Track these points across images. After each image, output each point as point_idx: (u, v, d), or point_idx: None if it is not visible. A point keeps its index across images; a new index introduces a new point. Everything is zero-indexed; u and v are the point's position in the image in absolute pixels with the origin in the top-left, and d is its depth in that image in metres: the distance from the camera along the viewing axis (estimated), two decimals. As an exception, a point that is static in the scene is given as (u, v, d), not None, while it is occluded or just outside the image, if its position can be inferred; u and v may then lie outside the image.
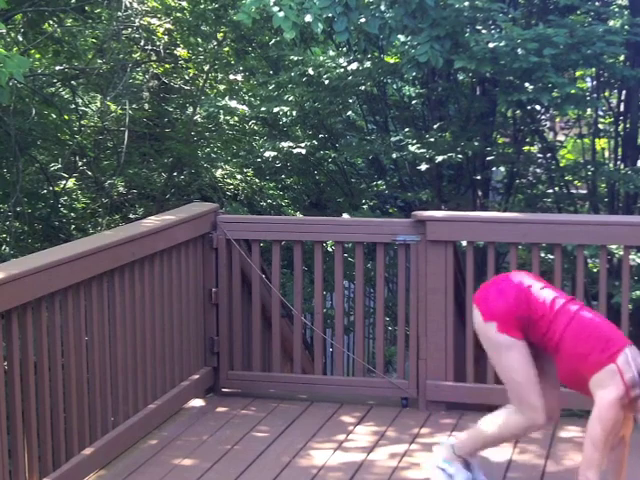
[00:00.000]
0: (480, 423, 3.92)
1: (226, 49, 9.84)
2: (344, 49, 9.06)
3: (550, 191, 8.67)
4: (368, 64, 8.29)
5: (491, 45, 6.83)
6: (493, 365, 3.86)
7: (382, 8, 6.71)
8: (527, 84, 7.17)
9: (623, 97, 8.43)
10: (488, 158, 8.43)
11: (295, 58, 8.76)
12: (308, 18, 6.14)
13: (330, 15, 6.29)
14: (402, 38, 7.20)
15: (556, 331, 3.62)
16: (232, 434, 4.73)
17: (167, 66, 9.82)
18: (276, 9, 6.11)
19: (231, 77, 9.96)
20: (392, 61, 8.69)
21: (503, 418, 3.81)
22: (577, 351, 3.56)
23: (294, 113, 8.97)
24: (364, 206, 9.14)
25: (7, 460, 3.64)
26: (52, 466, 3.95)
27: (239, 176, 9.84)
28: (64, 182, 9.23)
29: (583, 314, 3.66)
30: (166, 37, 9.22)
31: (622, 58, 7.99)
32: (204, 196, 9.42)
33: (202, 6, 9.20)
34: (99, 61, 9.22)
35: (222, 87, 10.19)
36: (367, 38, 8.06)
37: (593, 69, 7.94)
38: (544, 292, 3.72)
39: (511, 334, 3.66)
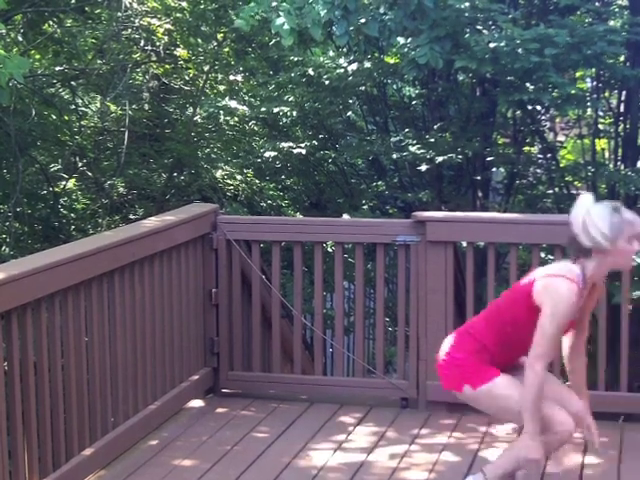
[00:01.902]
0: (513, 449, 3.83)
1: (226, 49, 9.84)
2: (344, 50, 9.06)
3: (550, 192, 8.67)
4: (368, 65, 8.29)
5: (492, 45, 6.83)
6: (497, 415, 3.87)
7: (381, 10, 6.70)
8: (528, 84, 7.16)
9: (623, 97, 8.43)
10: (488, 159, 8.43)
11: (295, 59, 8.76)
12: (307, 24, 6.13)
13: (330, 18, 6.28)
14: (402, 40, 7.20)
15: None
16: (232, 435, 4.73)
17: (167, 66, 9.82)
18: (274, 15, 6.12)
19: (231, 77, 9.95)
20: (392, 62, 8.69)
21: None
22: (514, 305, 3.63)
23: (294, 113, 8.97)
24: (364, 207, 9.13)
25: (7, 461, 3.64)
26: (52, 467, 3.95)
27: (239, 177, 9.84)
28: (64, 183, 9.23)
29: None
30: (166, 37, 9.21)
31: (622, 58, 7.99)
32: (204, 197, 9.42)
33: (202, 6, 9.19)
34: (99, 62, 9.21)
35: (222, 87, 10.18)
36: (367, 40, 8.06)
37: (593, 69, 7.94)
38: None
39: (485, 381, 3.66)
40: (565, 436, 3.66)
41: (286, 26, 6.06)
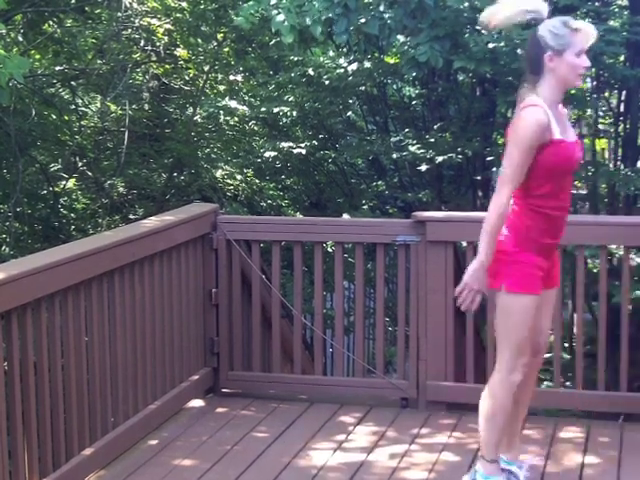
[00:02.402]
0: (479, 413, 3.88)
1: (226, 49, 9.84)
2: (344, 49, 9.06)
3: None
4: (368, 64, 8.29)
5: (491, 45, 6.83)
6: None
7: (381, 9, 6.70)
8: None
9: (623, 97, 8.43)
10: (488, 158, 8.43)
11: (295, 58, 8.76)
12: (307, 21, 6.14)
13: (330, 16, 6.29)
14: (402, 39, 7.20)
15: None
16: (232, 435, 4.73)
17: (167, 66, 9.82)
18: (274, 12, 6.12)
19: (231, 77, 9.96)
20: (392, 61, 8.69)
21: (486, 392, 3.81)
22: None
23: (294, 113, 8.98)
24: (364, 206, 9.14)
25: (7, 461, 3.64)
26: (52, 467, 3.95)
27: (239, 176, 9.84)
28: (64, 183, 9.23)
29: None
30: (166, 38, 9.21)
31: (622, 58, 7.99)
32: (204, 196, 9.42)
33: (202, 7, 9.20)
34: (99, 61, 9.21)
35: (222, 87, 10.19)
36: (367, 39, 8.06)
37: (593, 69, 7.94)
38: None
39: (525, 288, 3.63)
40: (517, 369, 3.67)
41: (286, 23, 6.06)
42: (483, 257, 3.58)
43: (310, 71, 8.58)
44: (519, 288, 3.63)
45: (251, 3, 6.31)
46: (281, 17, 6.09)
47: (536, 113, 3.53)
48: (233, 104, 9.33)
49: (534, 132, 3.53)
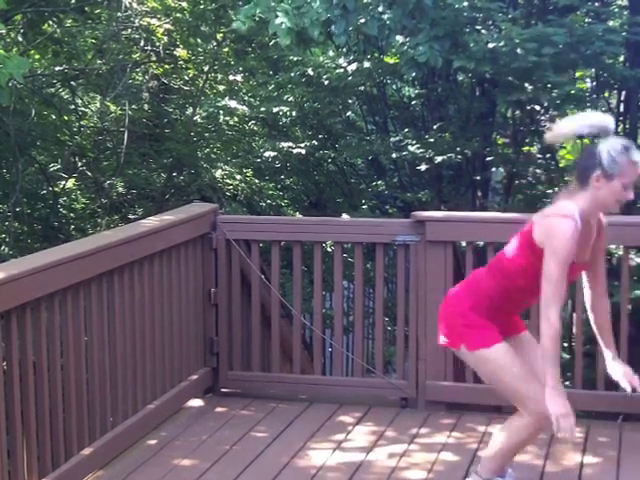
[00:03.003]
0: (493, 439, 3.87)
1: (226, 49, 9.84)
2: (344, 49, 9.06)
3: (550, 191, 8.66)
4: (368, 64, 8.29)
5: (490, 45, 6.83)
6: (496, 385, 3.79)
7: (380, 9, 6.70)
8: (526, 84, 7.16)
9: (623, 98, 8.43)
10: (488, 158, 8.43)
11: (295, 58, 8.76)
12: (305, 23, 6.13)
13: (329, 17, 6.28)
14: (401, 39, 7.20)
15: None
16: (231, 434, 4.73)
17: (167, 67, 9.82)
18: (272, 15, 6.11)
19: (231, 77, 9.95)
20: (392, 61, 8.69)
21: (510, 425, 3.78)
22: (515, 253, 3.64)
23: (294, 113, 8.98)
24: (363, 206, 9.14)
25: (6, 460, 3.64)
26: (51, 466, 3.95)
27: (238, 176, 9.84)
28: (63, 182, 9.23)
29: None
30: (166, 38, 9.21)
31: (622, 59, 7.99)
32: (204, 196, 9.41)
33: (202, 7, 9.20)
34: (99, 62, 9.21)
35: (222, 87, 10.18)
36: (366, 39, 8.06)
37: (592, 70, 7.94)
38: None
39: (486, 344, 3.63)
40: (542, 422, 3.61)
41: (284, 26, 6.05)
42: (553, 382, 3.47)
43: (310, 71, 8.57)
44: (479, 345, 3.64)
45: (249, 6, 6.30)
46: (279, 20, 6.08)
47: (571, 228, 3.45)
48: (233, 104, 9.33)
49: (571, 247, 3.46)
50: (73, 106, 9.21)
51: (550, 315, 3.44)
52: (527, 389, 3.62)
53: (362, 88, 8.86)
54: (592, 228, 3.65)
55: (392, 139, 8.49)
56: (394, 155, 8.30)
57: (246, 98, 9.75)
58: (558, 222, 3.48)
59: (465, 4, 6.93)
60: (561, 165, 9.00)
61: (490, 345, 3.63)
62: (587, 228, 3.58)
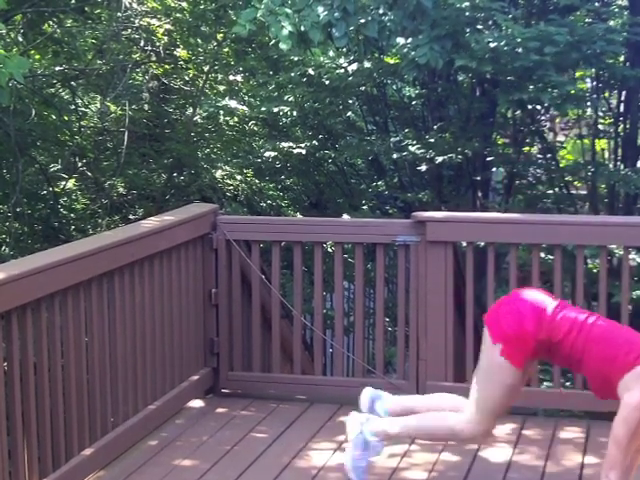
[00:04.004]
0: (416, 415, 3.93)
1: (226, 50, 9.83)
2: (344, 50, 9.06)
3: (550, 192, 8.67)
4: (368, 65, 8.29)
5: (492, 45, 6.83)
6: (478, 377, 3.79)
7: (381, 11, 6.70)
8: (527, 83, 7.17)
9: (623, 98, 8.43)
10: (488, 159, 8.43)
11: (295, 58, 8.76)
12: (306, 27, 6.12)
13: (329, 20, 6.28)
14: (401, 41, 7.20)
15: (579, 345, 3.56)
16: (232, 435, 4.73)
17: (167, 67, 9.81)
18: (273, 19, 6.10)
19: (231, 78, 9.95)
20: (392, 62, 8.69)
21: (446, 414, 3.83)
22: (603, 357, 3.51)
23: (294, 113, 8.98)
24: (364, 207, 9.14)
25: (7, 461, 3.64)
26: (52, 467, 3.95)
27: (239, 177, 9.84)
28: (64, 183, 9.22)
29: (601, 323, 3.62)
30: (166, 38, 9.20)
31: (622, 58, 7.99)
32: (204, 197, 9.41)
33: (202, 7, 9.19)
34: (99, 62, 9.20)
35: (222, 88, 10.18)
36: (367, 40, 8.06)
37: (593, 70, 7.94)
38: (561, 311, 3.63)
39: (513, 361, 3.60)
40: (472, 438, 3.73)
41: (285, 31, 6.05)
42: None
43: (310, 71, 8.58)
44: (508, 355, 3.66)
45: (249, 10, 6.29)
46: (279, 24, 6.07)
47: None
48: (233, 104, 9.33)
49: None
50: (73, 106, 9.20)
51: (612, 477, 3.42)
52: (495, 410, 3.66)
53: (362, 88, 8.86)
54: None
55: (392, 139, 8.49)
56: (394, 155, 8.30)
57: (246, 98, 9.75)
58: None
59: (466, 4, 6.93)
60: (561, 165, 9.01)
61: (512, 363, 3.60)
62: None
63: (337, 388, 5.29)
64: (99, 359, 4.27)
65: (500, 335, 3.64)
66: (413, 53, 6.80)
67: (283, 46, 6.18)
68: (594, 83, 8.49)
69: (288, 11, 6.06)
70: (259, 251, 5.32)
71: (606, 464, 3.48)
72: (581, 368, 3.62)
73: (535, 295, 3.74)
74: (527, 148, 8.99)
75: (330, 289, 6.89)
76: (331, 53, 9.12)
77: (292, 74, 8.70)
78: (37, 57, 9.23)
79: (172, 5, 9.27)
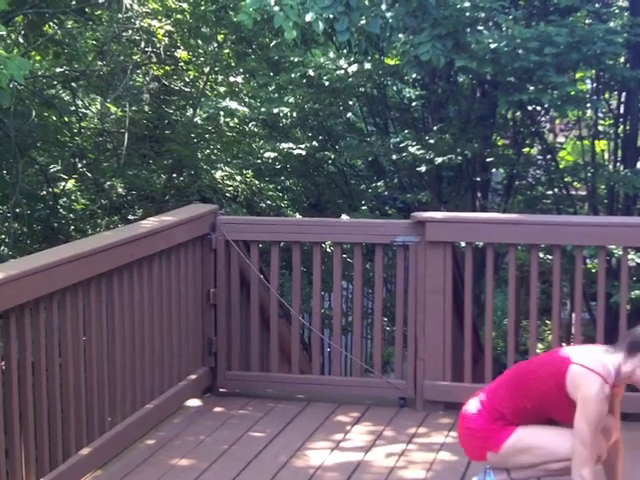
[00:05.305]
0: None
1: (226, 51, 9.84)
2: (344, 50, 9.07)
3: (550, 192, 8.68)
4: (368, 66, 8.30)
5: (492, 46, 6.84)
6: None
7: (383, 8, 6.71)
8: (528, 85, 7.17)
9: (623, 99, 8.44)
10: (488, 160, 8.44)
11: (295, 59, 8.77)
12: (309, 18, 6.13)
13: (331, 15, 6.28)
14: (403, 38, 7.20)
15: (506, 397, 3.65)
16: (229, 434, 4.73)
17: (167, 68, 9.82)
18: (277, 9, 6.10)
19: (231, 79, 9.96)
20: (392, 63, 8.70)
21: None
22: (535, 387, 3.57)
23: (294, 115, 8.98)
24: (363, 207, 9.15)
25: (4, 460, 3.64)
26: (49, 466, 3.95)
27: (239, 177, 9.85)
28: (63, 184, 9.23)
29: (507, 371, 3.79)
30: (166, 39, 9.22)
31: (622, 60, 8.00)
32: (203, 197, 9.42)
33: (202, 8, 9.21)
34: (99, 63, 9.21)
35: (222, 89, 10.19)
36: (368, 39, 8.07)
37: (593, 71, 7.95)
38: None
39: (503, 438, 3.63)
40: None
41: (290, 23, 6.05)
42: None
43: (310, 72, 8.59)
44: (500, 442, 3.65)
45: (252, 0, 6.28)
46: (283, 14, 6.07)
47: (604, 391, 3.44)
48: (233, 105, 9.34)
49: (604, 409, 3.45)
50: (74, 107, 9.22)
51: (584, 474, 3.46)
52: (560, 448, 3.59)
53: (362, 89, 8.87)
54: (621, 388, 3.62)
55: (392, 140, 8.50)
56: (394, 156, 8.31)
57: (246, 99, 9.76)
58: (595, 385, 3.44)
59: (467, 4, 6.94)
60: (561, 166, 9.01)
61: (507, 436, 3.61)
62: (617, 389, 3.57)
63: (335, 387, 5.29)
64: (97, 359, 4.27)
65: (477, 454, 3.70)
66: (415, 50, 6.80)
67: (288, 36, 6.18)
68: (594, 84, 8.50)
69: (291, 2, 6.06)
70: (258, 251, 5.32)
71: (576, 464, 3.49)
72: (541, 410, 3.61)
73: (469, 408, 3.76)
74: (527, 149, 8.99)
75: (329, 289, 6.90)
76: (331, 54, 9.13)
77: (292, 75, 8.71)
78: (38, 58, 9.24)
79: (173, 6, 9.28)
